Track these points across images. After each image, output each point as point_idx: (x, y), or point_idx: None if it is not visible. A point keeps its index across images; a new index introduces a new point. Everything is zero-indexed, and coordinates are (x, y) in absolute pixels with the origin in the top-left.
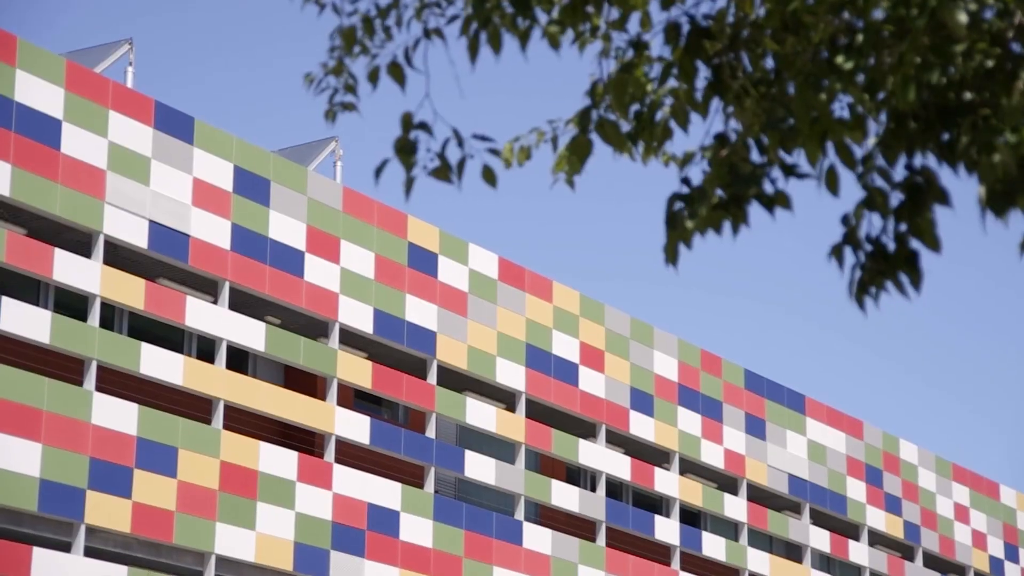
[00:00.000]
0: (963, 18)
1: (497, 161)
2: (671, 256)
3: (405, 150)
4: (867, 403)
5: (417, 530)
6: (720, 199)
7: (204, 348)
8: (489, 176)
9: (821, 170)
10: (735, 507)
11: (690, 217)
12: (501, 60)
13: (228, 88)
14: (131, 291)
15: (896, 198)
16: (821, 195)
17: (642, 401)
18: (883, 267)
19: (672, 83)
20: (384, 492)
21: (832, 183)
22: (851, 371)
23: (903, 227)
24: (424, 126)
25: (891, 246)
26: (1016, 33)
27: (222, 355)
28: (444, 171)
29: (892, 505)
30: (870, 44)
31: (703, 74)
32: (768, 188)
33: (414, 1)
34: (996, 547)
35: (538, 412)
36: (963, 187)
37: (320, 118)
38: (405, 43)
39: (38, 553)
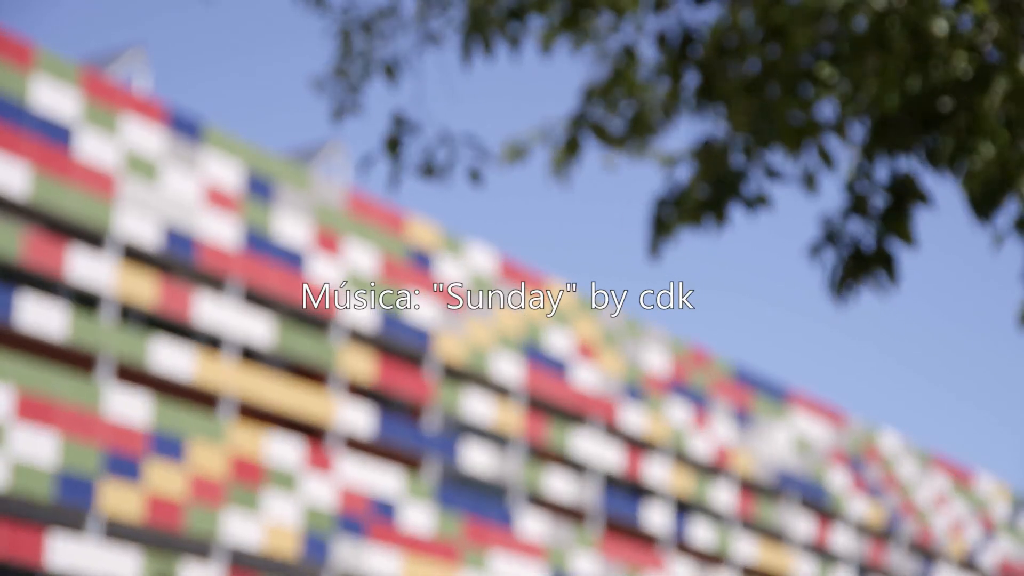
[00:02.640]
0: (942, 26)
1: (483, 162)
2: (654, 248)
3: (393, 147)
4: (850, 393)
5: (417, 517)
6: (703, 199)
7: (213, 343)
8: (475, 177)
9: (803, 171)
10: (723, 496)
11: (674, 215)
12: (499, 64)
13: (236, 91)
14: (143, 288)
15: (880, 198)
16: (803, 192)
17: (634, 394)
18: (861, 266)
19: (665, 84)
20: (386, 481)
21: (810, 184)
22: (835, 362)
23: (881, 227)
24: (412, 126)
25: (870, 245)
26: (992, 41)
27: (230, 349)
28: (431, 170)
29: (873, 494)
30: (855, 54)
31: (692, 78)
32: (750, 190)
33: (413, 6)
34: (973, 534)
35: (533, 404)
36: (945, 180)
37: (325, 120)
38: (404, 46)
39: (53, 541)
